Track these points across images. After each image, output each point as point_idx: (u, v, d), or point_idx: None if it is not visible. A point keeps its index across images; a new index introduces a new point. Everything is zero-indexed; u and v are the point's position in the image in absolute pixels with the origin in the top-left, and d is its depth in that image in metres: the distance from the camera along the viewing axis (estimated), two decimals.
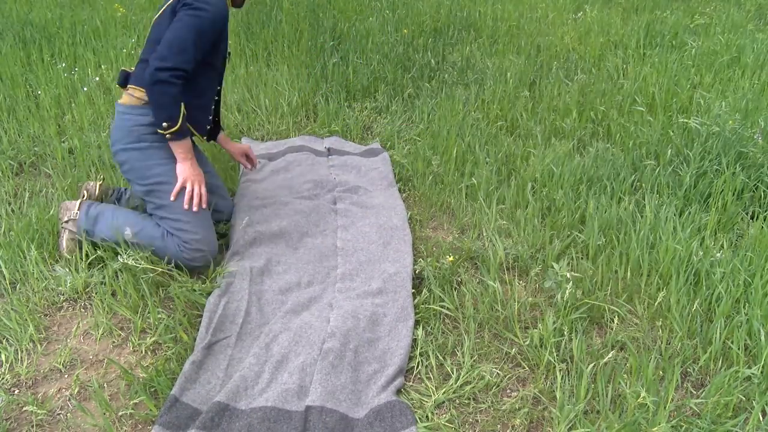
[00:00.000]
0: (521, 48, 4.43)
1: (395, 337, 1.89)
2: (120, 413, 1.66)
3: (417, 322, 1.97)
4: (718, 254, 2.14)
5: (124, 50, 4.13)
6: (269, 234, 2.31)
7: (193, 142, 2.23)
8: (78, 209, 2.18)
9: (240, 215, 2.43)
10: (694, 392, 1.74)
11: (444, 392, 1.72)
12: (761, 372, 1.72)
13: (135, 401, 1.68)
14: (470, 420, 1.66)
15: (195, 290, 2.05)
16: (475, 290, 2.08)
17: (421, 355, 1.85)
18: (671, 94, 3.46)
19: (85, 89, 3.55)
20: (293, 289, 2.10)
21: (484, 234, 2.39)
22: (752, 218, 2.50)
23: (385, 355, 1.84)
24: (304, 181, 2.74)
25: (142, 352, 1.87)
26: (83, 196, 2.33)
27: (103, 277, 2.10)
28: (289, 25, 4.72)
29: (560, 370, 1.77)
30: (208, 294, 2.04)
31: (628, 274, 2.15)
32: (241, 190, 2.66)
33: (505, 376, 1.79)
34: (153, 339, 1.88)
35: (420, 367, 1.82)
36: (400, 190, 2.78)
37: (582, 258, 2.25)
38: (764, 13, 5.48)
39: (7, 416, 1.65)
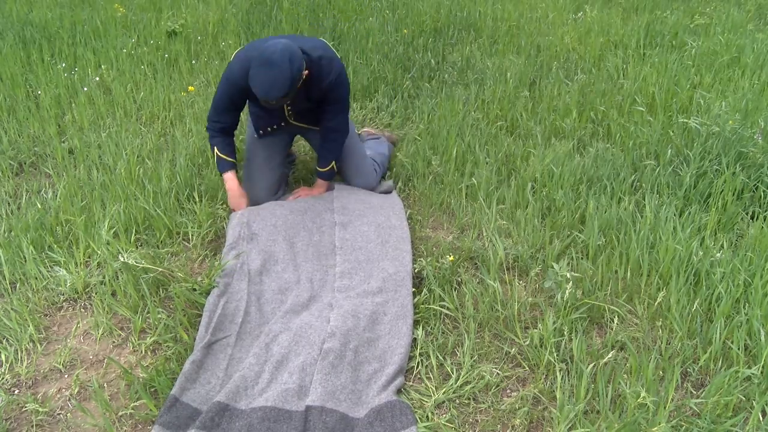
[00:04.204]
0: (521, 48, 4.43)
1: (395, 335, 1.89)
2: (120, 413, 1.66)
3: (417, 322, 1.97)
4: (718, 254, 2.14)
5: (124, 50, 4.13)
6: (267, 233, 2.31)
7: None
8: None
9: (236, 214, 2.43)
10: (694, 392, 1.74)
11: (444, 392, 1.72)
12: (761, 372, 1.72)
13: (135, 403, 1.68)
14: (470, 420, 1.66)
15: (195, 290, 2.05)
16: (475, 290, 2.08)
17: (421, 355, 1.85)
18: (671, 94, 3.46)
19: (85, 89, 3.55)
20: (292, 288, 2.10)
21: (484, 234, 2.39)
22: (752, 218, 2.50)
23: (385, 354, 1.84)
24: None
25: (142, 352, 1.87)
26: None
27: (103, 277, 2.10)
28: (289, 25, 4.72)
29: (560, 370, 1.77)
30: (208, 293, 2.04)
31: (628, 274, 2.15)
32: None
33: (505, 376, 1.79)
34: (153, 339, 1.88)
35: (420, 367, 1.82)
36: (400, 190, 2.78)
37: (582, 258, 2.25)
38: (764, 13, 5.48)
39: (7, 416, 1.65)
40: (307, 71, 2.28)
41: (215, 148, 2.50)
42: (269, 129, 2.60)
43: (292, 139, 2.81)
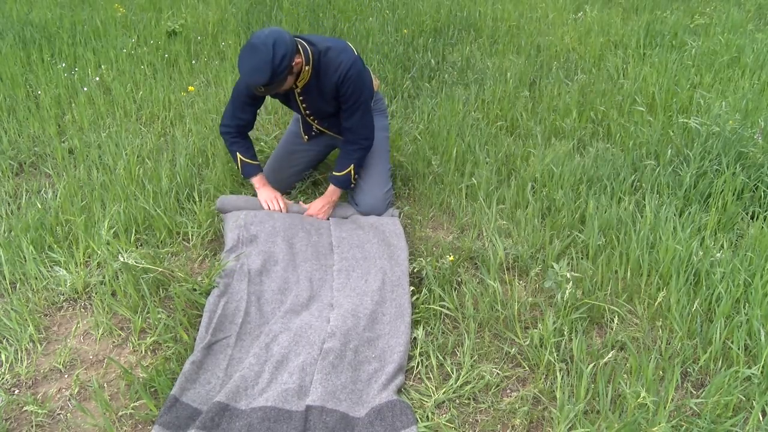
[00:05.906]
0: (521, 48, 4.43)
1: (394, 334, 1.89)
2: (120, 413, 1.66)
3: (417, 322, 1.97)
4: (718, 254, 2.14)
5: (124, 50, 4.13)
6: (265, 233, 2.31)
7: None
8: None
9: (234, 215, 2.43)
10: (694, 392, 1.74)
11: (444, 392, 1.72)
12: (761, 372, 1.72)
13: (135, 403, 1.68)
14: (470, 420, 1.66)
15: (195, 290, 2.05)
16: (475, 290, 2.08)
17: (421, 354, 1.85)
18: (671, 94, 3.46)
19: (85, 89, 3.55)
20: (292, 288, 2.10)
21: (484, 234, 2.39)
22: (752, 218, 2.50)
23: (385, 353, 1.84)
24: None
25: (142, 352, 1.87)
26: None
27: (103, 277, 2.10)
28: (289, 25, 4.72)
29: (560, 370, 1.77)
30: (208, 294, 2.04)
31: (628, 274, 2.15)
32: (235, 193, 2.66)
33: (505, 376, 1.79)
34: (153, 339, 1.88)
35: (420, 367, 1.82)
36: (400, 190, 2.78)
37: (582, 258, 2.25)
38: (764, 13, 5.48)
39: (7, 416, 1.65)
40: (300, 60, 2.17)
41: (237, 153, 2.46)
42: (312, 134, 2.60)
43: (326, 154, 2.73)
